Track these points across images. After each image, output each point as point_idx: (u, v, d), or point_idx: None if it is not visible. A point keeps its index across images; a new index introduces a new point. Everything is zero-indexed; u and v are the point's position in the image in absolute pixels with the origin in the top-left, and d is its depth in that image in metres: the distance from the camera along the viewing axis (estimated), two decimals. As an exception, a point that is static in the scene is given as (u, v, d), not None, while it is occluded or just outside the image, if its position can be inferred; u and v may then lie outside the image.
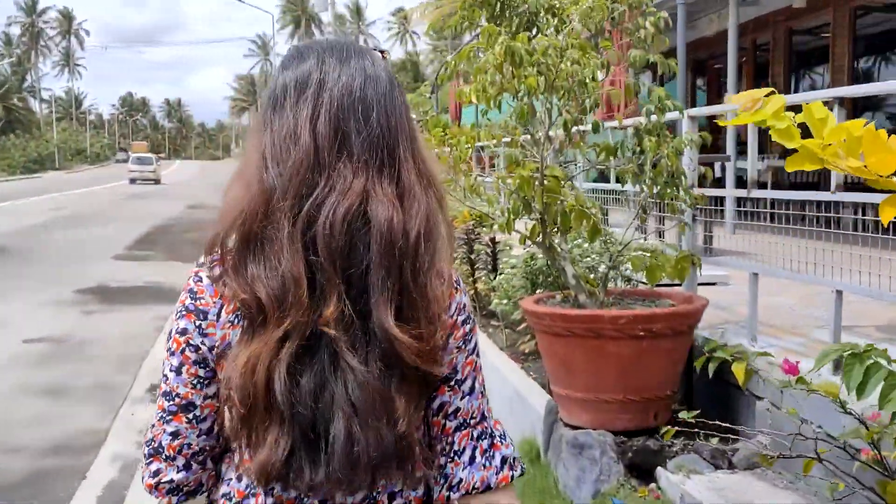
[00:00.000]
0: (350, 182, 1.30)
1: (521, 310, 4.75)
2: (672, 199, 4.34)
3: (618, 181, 5.80)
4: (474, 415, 1.46)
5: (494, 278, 7.16)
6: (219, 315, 1.38)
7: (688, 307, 4.36)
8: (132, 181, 50.88)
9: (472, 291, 8.27)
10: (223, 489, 1.46)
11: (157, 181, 51.73)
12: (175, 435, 1.42)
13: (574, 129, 4.48)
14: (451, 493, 1.46)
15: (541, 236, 4.54)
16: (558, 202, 4.39)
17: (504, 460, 1.47)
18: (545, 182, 4.40)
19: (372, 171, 1.32)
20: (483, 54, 4.55)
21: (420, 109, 19.52)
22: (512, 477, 1.48)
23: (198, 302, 1.39)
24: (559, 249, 4.63)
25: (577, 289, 4.58)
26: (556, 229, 4.57)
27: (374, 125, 1.34)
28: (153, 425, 1.45)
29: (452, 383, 1.43)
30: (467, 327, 1.45)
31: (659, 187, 4.31)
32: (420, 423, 1.42)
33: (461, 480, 1.45)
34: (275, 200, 1.31)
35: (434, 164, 1.43)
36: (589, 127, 4.48)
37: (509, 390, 5.50)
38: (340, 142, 1.32)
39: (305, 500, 1.38)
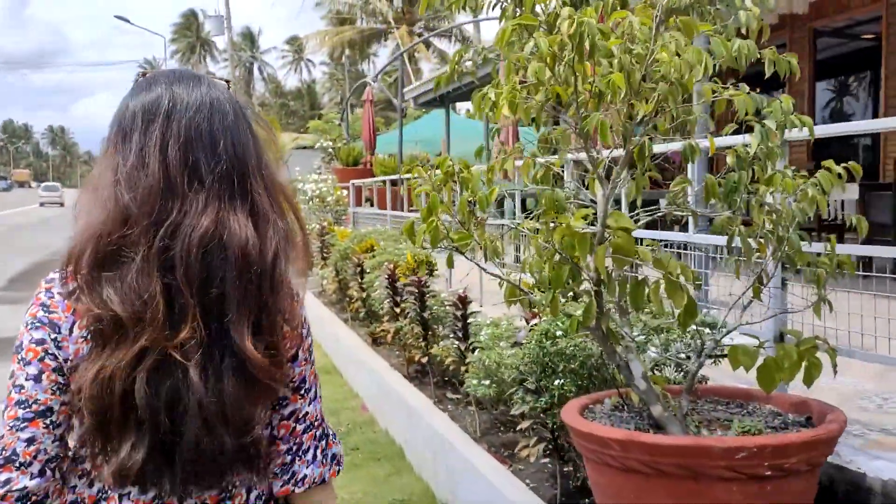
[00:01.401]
0: (204, 209, 1.37)
1: (567, 426, 3.19)
2: (807, 264, 2.86)
3: (678, 228, 4.31)
4: (317, 417, 1.62)
5: (466, 347, 5.58)
6: (71, 330, 1.44)
7: (830, 429, 2.88)
8: (42, 204, 61.49)
9: (422, 358, 6.68)
10: (69, 497, 1.50)
11: (61, 204, 59.95)
12: (31, 441, 1.43)
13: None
14: (296, 488, 1.60)
15: (596, 319, 2.99)
16: (629, 267, 2.87)
17: (335, 457, 1.65)
18: (608, 237, 2.87)
19: (224, 198, 1.40)
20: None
21: (327, 137, 17.85)
22: (338, 471, 1.66)
23: (51, 315, 1.44)
24: (622, 337, 3.10)
25: (648, 396, 3.06)
26: (618, 307, 3.05)
27: (222, 154, 1.42)
28: (1, 436, 1.44)
29: (303, 392, 1.59)
30: (310, 339, 1.60)
31: (786, 244, 2.82)
32: (268, 426, 1.54)
33: (305, 476, 1.61)
34: (130, 223, 1.37)
35: (286, 186, 1.52)
36: (668, 149, 3.00)
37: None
38: (191, 170, 1.39)
39: (163, 499, 1.45)
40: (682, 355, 3.68)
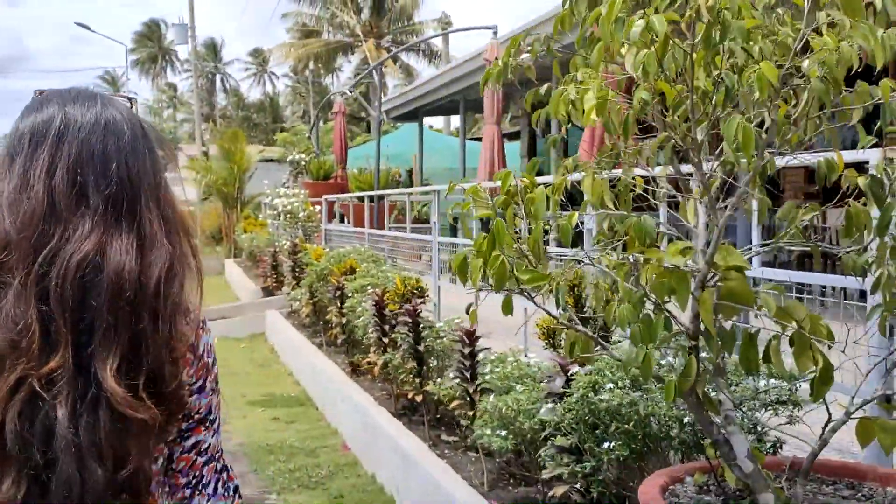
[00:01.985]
0: (87, 233, 1.33)
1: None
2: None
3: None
4: (218, 449, 1.54)
5: (473, 388, 4.90)
6: None
7: None
8: None
9: (416, 395, 6.00)
10: None
11: None
12: None
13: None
14: None
15: (695, 382, 2.34)
16: (739, 317, 2.23)
17: (235, 489, 1.58)
18: (718, 280, 2.24)
19: (111, 221, 1.35)
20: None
21: (296, 150, 17.10)
22: None
23: None
24: (720, 403, 2.46)
25: (756, 482, 2.41)
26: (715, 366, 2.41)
27: (113, 177, 1.36)
28: None
29: (208, 423, 1.49)
30: (216, 368, 1.51)
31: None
32: (160, 458, 1.45)
33: None
34: (10, 249, 1.33)
35: (181, 209, 1.47)
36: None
37: None
38: (78, 194, 1.35)
39: None
40: (764, 414, 3.04)
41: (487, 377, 4.76)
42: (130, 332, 1.32)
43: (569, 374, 3.69)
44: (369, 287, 7.87)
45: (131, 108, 1.47)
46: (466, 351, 4.97)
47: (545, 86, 2.70)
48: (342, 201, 13.10)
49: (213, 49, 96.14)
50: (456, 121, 43.56)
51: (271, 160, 28.12)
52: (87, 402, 1.30)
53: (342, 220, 15.48)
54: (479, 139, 29.84)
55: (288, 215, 14.30)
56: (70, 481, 1.32)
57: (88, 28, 40.67)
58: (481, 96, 12.26)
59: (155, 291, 1.33)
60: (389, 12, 50.63)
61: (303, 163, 16.69)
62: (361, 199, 12.28)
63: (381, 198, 12.25)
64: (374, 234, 10.99)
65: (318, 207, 14.30)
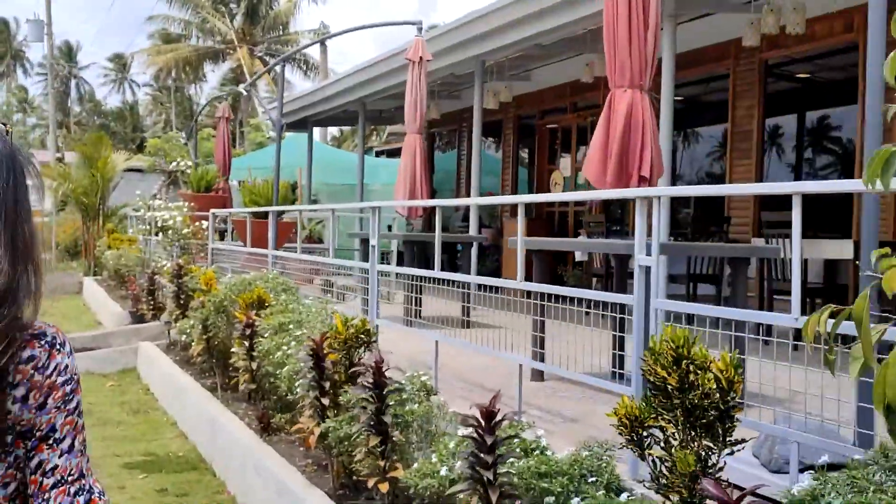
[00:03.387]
0: None
1: None
2: None
3: None
4: (72, 472, 1.52)
5: (496, 498, 3.38)
6: None
7: None
8: None
9: (379, 483, 4.43)
10: None
11: None
12: None
13: None
14: None
15: None
16: None
17: None
18: None
19: None
20: None
21: (178, 159, 15.19)
22: None
23: None
24: None
25: None
26: None
27: None
28: None
29: (51, 442, 1.51)
30: (68, 388, 1.52)
31: None
32: (11, 483, 1.50)
33: None
34: None
35: (33, 237, 1.52)
36: None
37: None
38: None
39: None
40: None
41: (515, 479, 3.27)
42: None
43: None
44: (290, 325, 6.25)
45: (7, 135, 1.52)
46: (477, 434, 3.46)
47: None
48: (236, 217, 11.34)
49: (68, 52, 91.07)
50: (333, 131, 41.87)
51: (137, 170, 25.78)
52: None
53: (222, 237, 13.66)
54: (385, 153, 27.99)
55: (168, 231, 12.40)
56: None
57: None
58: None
59: None
60: (264, 20, 48.54)
61: (187, 172, 14.73)
62: (258, 214, 10.58)
63: (280, 214, 10.60)
64: (281, 258, 9.31)
65: (203, 223, 12.49)
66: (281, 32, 49.33)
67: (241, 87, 15.83)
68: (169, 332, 11.37)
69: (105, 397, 9.96)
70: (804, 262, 6.54)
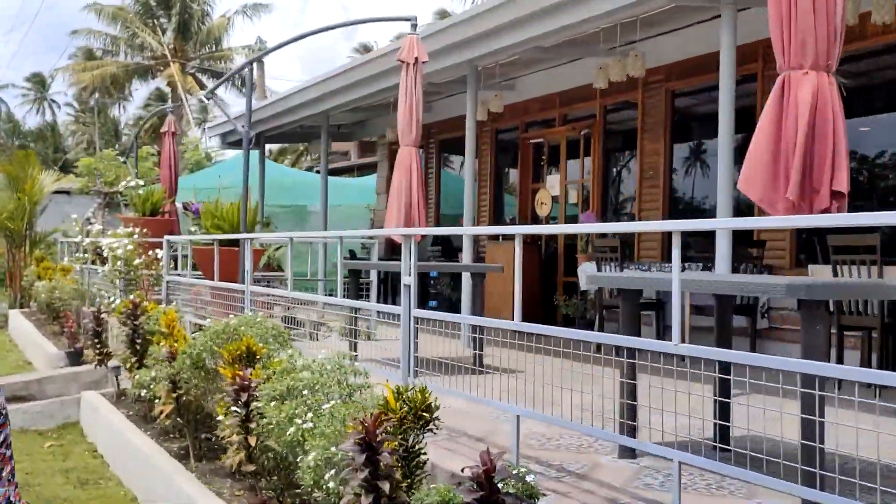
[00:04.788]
0: None
1: None
2: None
3: None
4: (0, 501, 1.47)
5: None
6: None
7: None
8: None
9: None
10: None
11: None
12: None
13: None
14: None
15: None
16: None
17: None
18: None
19: None
20: None
21: (105, 179, 13.59)
22: None
23: None
24: None
25: None
26: None
27: None
28: None
29: None
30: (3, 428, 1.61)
31: None
32: None
33: None
34: None
35: None
36: None
37: None
38: None
39: None
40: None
41: None
42: None
43: None
44: (304, 390, 4.83)
45: None
46: None
47: None
48: (199, 244, 9.78)
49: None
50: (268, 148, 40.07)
51: (64, 192, 23.80)
52: None
53: (176, 267, 12.05)
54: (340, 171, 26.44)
55: (118, 261, 10.76)
56: None
57: None
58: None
59: None
60: (196, 35, 46.59)
61: (124, 193, 13.08)
62: (224, 242, 9.07)
63: (238, 243, 9.10)
64: (261, 294, 7.78)
65: (158, 252, 10.90)
66: (214, 48, 47.43)
67: (201, 94, 14.22)
68: (118, 379, 9.75)
69: (44, 463, 8.32)
70: None
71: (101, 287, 13.72)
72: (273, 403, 4.94)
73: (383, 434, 3.73)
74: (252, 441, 5.17)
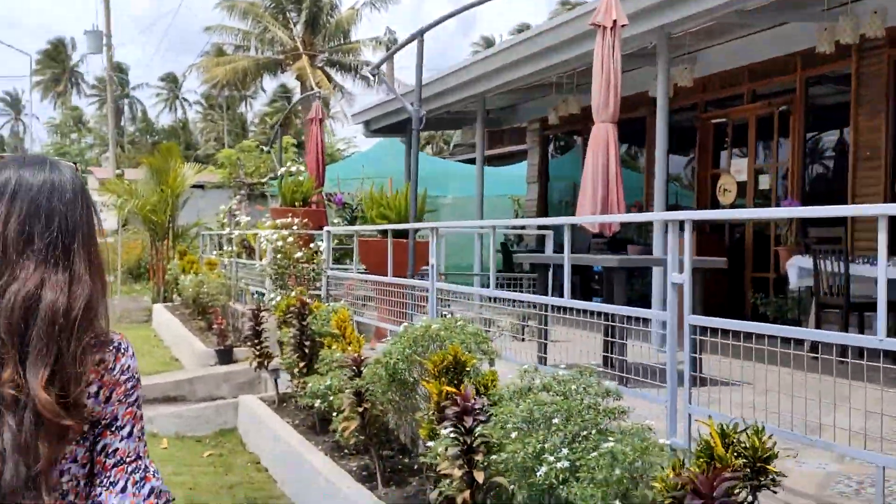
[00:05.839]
0: (31, 273, 1.64)
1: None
2: None
3: None
4: (130, 454, 1.73)
5: None
6: None
7: None
8: None
9: None
10: None
11: None
12: None
13: None
14: None
15: None
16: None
17: (152, 490, 1.74)
18: None
19: (50, 263, 1.66)
20: None
21: (247, 171, 12.83)
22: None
23: None
24: None
25: None
26: None
27: (55, 229, 1.69)
28: None
29: (113, 429, 1.72)
30: (129, 384, 1.74)
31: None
32: (76, 460, 1.69)
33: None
34: None
35: (101, 255, 1.77)
36: None
37: None
38: (26, 241, 1.67)
39: None
40: None
41: None
42: (56, 350, 1.60)
43: None
44: (554, 417, 3.79)
45: (76, 171, 1.81)
46: None
47: None
48: (364, 236, 8.92)
49: (119, 72, 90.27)
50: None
51: (199, 186, 23.59)
52: (23, 408, 1.56)
53: (339, 263, 11.23)
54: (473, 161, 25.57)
55: (278, 255, 9.98)
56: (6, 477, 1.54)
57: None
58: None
59: (75, 320, 1.62)
60: (325, 29, 46.43)
61: (284, 180, 12.31)
62: (388, 232, 8.15)
63: (407, 233, 8.16)
64: (446, 292, 6.78)
65: (318, 244, 10.10)
66: (342, 41, 47.19)
67: (365, 71, 13.45)
68: (277, 384, 8.98)
69: (206, 477, 7.57)
70: None
71: (249, 282, 13.09)
72: (514, 434, 3.93)
73: (723, 497, 2.64)
74: (479, 477, 4.17)
